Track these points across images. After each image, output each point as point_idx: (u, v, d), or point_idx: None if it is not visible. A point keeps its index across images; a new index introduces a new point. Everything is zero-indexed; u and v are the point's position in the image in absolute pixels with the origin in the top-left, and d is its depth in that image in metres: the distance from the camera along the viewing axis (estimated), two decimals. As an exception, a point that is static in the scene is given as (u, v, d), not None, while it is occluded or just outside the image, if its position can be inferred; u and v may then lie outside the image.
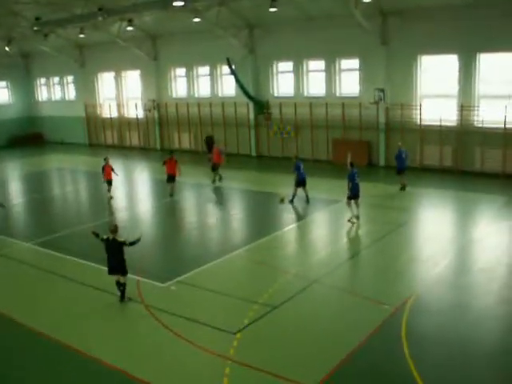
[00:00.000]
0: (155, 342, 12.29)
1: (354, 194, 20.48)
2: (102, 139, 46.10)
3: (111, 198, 26.53)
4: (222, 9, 30.73)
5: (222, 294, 14.55)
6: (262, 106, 34.95)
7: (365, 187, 24.61)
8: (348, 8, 27.19)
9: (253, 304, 13.65)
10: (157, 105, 40.99)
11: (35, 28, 35.47)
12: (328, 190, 25.70)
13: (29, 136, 50.36)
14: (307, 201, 23.47)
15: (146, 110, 41.69)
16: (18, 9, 35.23)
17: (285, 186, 25.33)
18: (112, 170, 26.40)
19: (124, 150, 42.71)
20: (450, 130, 28.45)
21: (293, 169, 23.49)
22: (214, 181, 28.43)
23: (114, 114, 44.93)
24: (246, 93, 34.48)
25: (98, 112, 46.31)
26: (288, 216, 22.22)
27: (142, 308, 13.99)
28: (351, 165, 20.65)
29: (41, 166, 37.76)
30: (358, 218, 20.60)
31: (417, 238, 19.72)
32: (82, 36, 37.07)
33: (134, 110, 43.11)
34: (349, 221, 20.50)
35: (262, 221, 21.99)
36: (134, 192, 29.63)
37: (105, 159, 26.82)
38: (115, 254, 14.30)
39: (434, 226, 20.33)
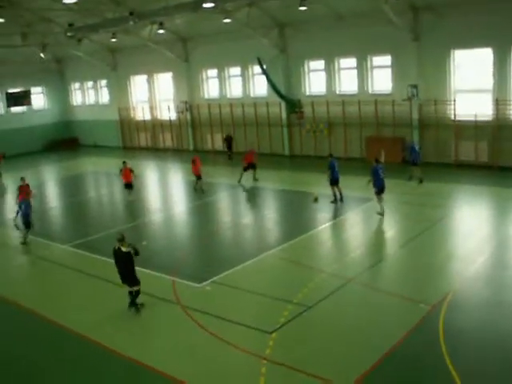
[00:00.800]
0: (191, 341, 12.38)
1: (379, 189, 20.80)
2: (136, 141, 46.56)
3: (132, 201, 26.72)
4: (252, 9, 30.75)
5: (257, 294, 14.58)
6: (294, 105, 34.87)
7: (399, 184, 24.42)
8: (378, 4, 26.97)
9: (288, 303, 13.65)
10: (189, 106, 41.22)
11: (68, 34, 35.98)
12: (361, 188, 25.48)
13: (64, 140, 51.13)
14: (341, 199, 23.34)
15: (179, 111, 41.95)
16: (52, 15, 35.83)
17: (318, 184, 25.26)
18: (132, 171, 26.51)
19: (157, 151, 43.08)
20: (486, 124, 28.01)
21: (327, 168, 23.41)
22: (239, 180, 28.75)
23: (147, 117, 45.32)
24: (277, 92, 34.43)
25: (132, 115, 46.76)
26: (322, 215, 22.14)
27: (177, 308, 14.09)
28: (376, 161, 20.99)
29: (76, 169, 38.30)
30: (382, 213, 20.76)
31: (453, 235, 19.47)
32: (113, 40, 37.55)
33: (167, 111, 43.42)
34: (378, 213, 20.80)
35: (296, 220, 21.92)
36: (167, 193, 29.82)
37: (124, 163, 27.03)
38: (122, 263, 13.92)
39: (471, 223, 20.06)
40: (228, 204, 26.37)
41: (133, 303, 14.19)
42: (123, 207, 27.37)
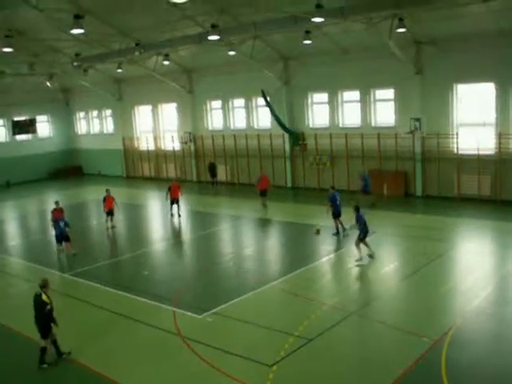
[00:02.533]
0: (191, 373, 12.28)
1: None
2: (140, 171, 46.73)
3: (113, 227, 27.61)
4: (257, 42, 31.10)
5: (257, 326, 14.49)
6: (297, 138, 35.05)
7: (401, 217, 24.44)
8: (382, 39, 27.25)
9: (289, 336, 13.56)
10: (193, 137, 41.44)
11: (75, 63, 36.45)
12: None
13: (68, 168, 51.41)
14: (343, 232, 23.30)
15: (183, 142, 42.16)
16: (59, 46, 36.26)
17: (320, 217, 25.20)
18: (114, 199, 27.68)
19: (161, 181, 43.14)
20: (488, 158, 28.09)
21: (328, 200, 23.42)
22: (264, 205, 29.53)
23: (151, 147, 45.54)
24: (281, 124, 34.65)
25: (136, 144, 47.01)
26: (324, 247, 22.06)
27: (178, 339, 14.00)
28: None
29: (78, 197, 38.37)
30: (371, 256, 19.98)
31: (455, 269, 19.38)
32: (119, 70, 37.93)
33: (171, 142, 43.64)
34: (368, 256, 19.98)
35: (298, 252, 21.83)
36: (169, 223, 29.78)
37: (106, 191, 27.94)
38: (36, 311, 13.00)
39: (473, 257, 19.96)
40: (230, 235, 26.32)
41: (40, 359, 13.01)
42: (125, 236, 27.37)
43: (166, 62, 35.26)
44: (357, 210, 19.94)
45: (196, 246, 24.46)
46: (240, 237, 25.94)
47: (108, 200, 27.60)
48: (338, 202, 23.11)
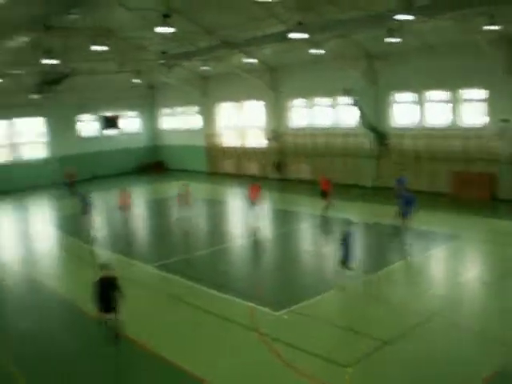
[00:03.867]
0: (266, 370, 12.33)
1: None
2: (221, 167, 47.29)
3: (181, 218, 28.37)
4: (341, 40, 30.85)
5: (334, 326, 14.41)
6: (381, 137, 34.53)
7: (486, 222, 23.70)
8: (471, 36, 26.45)
9: (366, 338, 13.41)
10: (276, 135, 41.56)
11: (161, 61, 37.28)
12: (447, 224, 24.91)
13: (153, 163, 52.75)
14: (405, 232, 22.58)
15: (266, 139, 42.36)
16: (147, 44, 37.21)
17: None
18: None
19: (242, 178, 43.46)
20: None
21: (400, 200, 22.80)
22: (325, 209, 28.08)
23: (234, 143, 46.00)
24: (366, 123, 34.22)
25: (219, 141, 47.61)
26: (404, 250, 21.62)
27: (254, 335, 14.10)
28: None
29: (163, 192, 39.19)
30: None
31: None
32: (204, 68, 38.48)
33: (253, 139, 43.92)
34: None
35: (377, 253, 21.59)
36: (248, 220, 29.98)
37: (183, 185, 29.54)
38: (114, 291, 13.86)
39: None
40: (309, 233, 26.25)
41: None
42: (205, 231, 27.77)
43: (250, 60, 35.51)
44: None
45: (275, 243, 24.51)
46: (319, 235, 25.81)
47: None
48: (408, 203, 22.25)
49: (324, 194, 28.26)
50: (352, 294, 17.01)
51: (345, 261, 16.74)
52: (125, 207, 28.83)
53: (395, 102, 34.56)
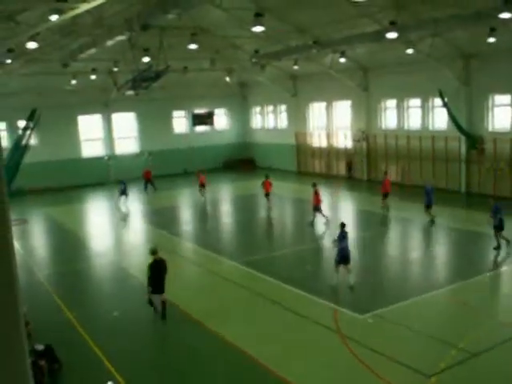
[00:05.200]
0: (346, 371, 12.26)
1: (339, 258, 18.06)
2: (310, 167, 47.16)
3: (270, 208, 30.80)
4: (436, 39, 30.04)
5: (419, 333, 14.08)
6: (474, 141, 33.40)
7: None
8: None
9: (452, 348, 13.00)
10: (365, 135, 41.07)
11: (253, 60, 37.59)
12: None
13: (241, 160, 53.23)
14: (508, 244, 21.69)
15: (355, 140, 41.94)
16: (240, 42, 37.64)
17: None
18: (271, 184, 31.31)
19: (330, 178, 43.20)
20: None
21: (491, 213, 21.67)
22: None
23: (323, 143, 45.77)
24: (458, 126, 33.18)
25: (308, 140, 47.51)
26: (498, 258, 20.84)
27: (337, 337, 14.00)
28: (342, 225, 18.40)
29: (250, 189, 39.52)
30: (351, 288, 17.85)
31: None
32: (295, 67, 38.51)
33: (343, 139, 43.58)
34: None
35: (468, 260, 20.77)
36: (334, 220, 29.75)
37: (266, 176, 32.01)
38: (164, 272, 15.73)
39: None
40: (396, 237, 25.79)
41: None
42: (290, 230, 27.80)
43: (342, 60, 35.20)
44: (342, 226, 18.36)
45: (360, 245, 24.19)
46: (406, 239, 25.31)
47: (266, 184, 31.21)
48: (498, 215, 21.28)
49: (386, 195, 29.63)
50: (441, 301, 16.58)
51: None
52: (202, 186, 32.87)
53: (492, 104, 33.24)
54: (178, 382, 12.40)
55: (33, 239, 29.02)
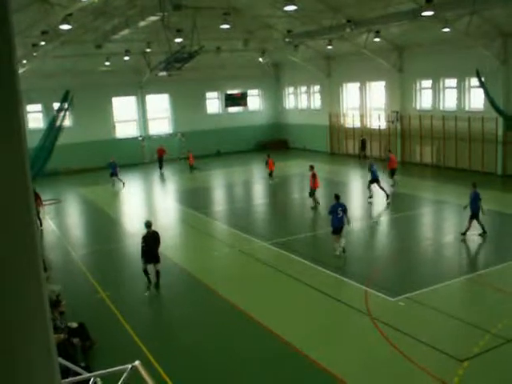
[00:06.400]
0: (377, 355, 12.16)
1: (334, 229, 19.12)
2: (344, 148, 46.79)
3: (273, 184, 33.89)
4: (474, 17, 29.33)
5: (451, 317, 13.89)
6: (511, 122, 32.68)
7: None
8: None
9: (485, 333, 12.80)
10: (400, 116, 40.52)
11: (287, 40, 37.29)
12: None
13: (274, 141, 52.99)
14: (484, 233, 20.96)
15: (389, 121, 41.43)
16: (272, 22, 37.34)
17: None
18: (274, 163, 34.18)
19: (364, 160, 42.76)
20: None
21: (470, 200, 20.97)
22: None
23: (357, 124, 45.34)
24: (495, 107, 32.49)
25: (341, 121, 47.09)
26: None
27: (367, 320, 13.93)
28: (336, 197, 19.52)
29: (284, 170, 39.41)
30: (344, 251, 19.00)
31: None
32: (329, 47, 38.11)
33: (377, 120, 43.10)
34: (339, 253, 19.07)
35: (504, 245, 20.42)
36: (366, 203, 29.53)
37: (268, 155, 35.06)
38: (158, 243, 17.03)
39: None
40: (430, 219, 25.47)
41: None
42: (323, 211, 27.66)
43: (376, 39, 34.68)
44: (336, 198, 19.46)
45: (393, 227, 24.02)
46: (440, 222, 24.98)
47: (270, 162, 34.16)
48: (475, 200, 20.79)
49: (392, 172, 30.95)
50: (473, 286, 16.35)
51: None
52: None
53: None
54: (209, 364, 12.45)
55: (67, 219, 29.43)
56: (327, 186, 32.30)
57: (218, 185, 37.30)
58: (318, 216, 26.65)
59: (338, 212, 19.05)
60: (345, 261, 18.89)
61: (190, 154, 40.92)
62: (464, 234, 20.77)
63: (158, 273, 16.90)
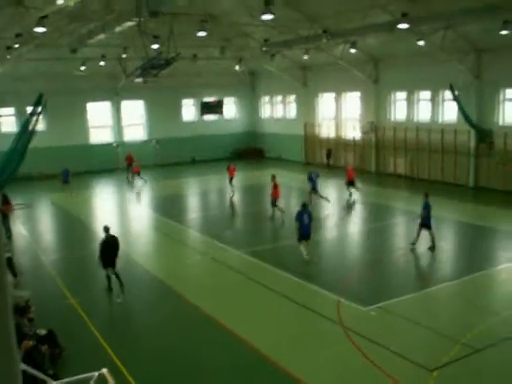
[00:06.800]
0: (348, 364, 12.19)
1: (300, 236, 19.53)
2: (319, 158, 46.94)
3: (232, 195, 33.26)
4: (449, 32, 29.72)
5: (422, 327, 13.97)
6: (484, 135, 33.10)
7: None
8: None
9: (454, 343, 12.89)
10: (374, 127, 40.82)
11: (264, 49, 37.37)
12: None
13: (250, 150, 53.07)
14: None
15: (364, 132, 41.71)
16: (250, 31, 37.42)
17: (505, 221, 23.72)
18: (234, 170, 34.16)
19: (337, 170, 42.97)
20: None
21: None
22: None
23: (332, 134, 45.55)
24: (468, 120, 32.87)
25: (316, 131, 47.28)
26: (502, 254, 20.66)
27: (339, 329, 13.92)
28: (303, 205, 19.78)
29: (257, 179, 39.44)
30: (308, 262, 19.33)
31: None
32: (305, 57, 38.28)
33: (352, 131, 43.35)
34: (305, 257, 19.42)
35: (474, 255, 20.55)
36: (341, 213, 29.63)
37: (229, 165, 34.49)
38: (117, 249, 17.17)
39: None
40: (402, 230, 25.63)
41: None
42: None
43: (352, 50, 34.94)
44: (303, 206, 19.74)
45: (366, 237, 24.09)
46: (411, 233, 25.07)
47: (230, 169, 33.84)
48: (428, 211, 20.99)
49: (351, 183, 31.63)
50: (444, 296, 16.48)
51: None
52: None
53: (503, 99, 32.89)
54: (178, 368, 12.35)
55: (38, 224, 29.07)
56: (300, 195, 32.38)
57: (192, 193, 37.17)
58: (289, 225, 26.66)
59: (305, 219, 19.37)
60: (318, 270, 18.92)
61: (128, 154, 42.15)
62: (413, 243, 21.08)
63: (117, 275, 17.16)
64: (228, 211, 30.52)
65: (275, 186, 27.11)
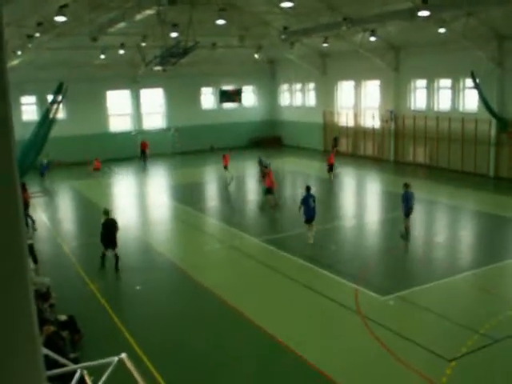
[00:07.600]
0: (365, 353, 12.20)
1: (307, 218, 20.43)
2: (338, 147, 46.71)
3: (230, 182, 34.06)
4: (470, 19, 29.40)
5: (440, 317, 13.94)
6: (505, 124, 32.76)
7: None
8: None
9: (473, 333, 12.86)
10: (394, 116, 40.56)
11: (283, 37, 37.19)
12: None
13: (268, 138, 52.95)
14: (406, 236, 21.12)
15: (383, 120, 41.47)
16: (269, 19, 37.25)
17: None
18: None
19: (357, 158, 42.85)
20: None
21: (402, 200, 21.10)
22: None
23: (351, 123, 45.36)
24: (489, 109, 32.54)
25: (335, 119, 47.10)
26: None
27: (357, 318, 13.95)
28: (307, 189, 20.76)
29: (276, 168, 39.40)
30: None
31: None
32: (325, 45, 38.07)
33: (371, 119, 43.13)
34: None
35: (495, 246, 20.40)
36: (362, 201, 29.56)
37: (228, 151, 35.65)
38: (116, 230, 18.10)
39: None
40: (421, 220, 25.49)
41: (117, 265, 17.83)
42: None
43: (372, 38, 34.69)
44: (307, 190, 20.82)
45: (385, 226, 24.01)
46: (431, 222, 25.00)
47: (225, 158, 34.40)
48: (410, 201, 20.90)
49: (331, 168, 33.33)
50: (463, 286, 16.40)
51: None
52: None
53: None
54: (196, 358, 12.45)
55: (58, 212, 29.35)
56: (319, 183, 32.34)
57: (211, 180, 37.26)
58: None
59: (310, 203, 20.23)
60: (334, 258, 18.93)
61: (143, 141, 43.50)
62: (407, 235, 21.03)
63: (116, 257, 17.90)
64: (244, 199, 30.53)
65: (269, 174, 27.34)
